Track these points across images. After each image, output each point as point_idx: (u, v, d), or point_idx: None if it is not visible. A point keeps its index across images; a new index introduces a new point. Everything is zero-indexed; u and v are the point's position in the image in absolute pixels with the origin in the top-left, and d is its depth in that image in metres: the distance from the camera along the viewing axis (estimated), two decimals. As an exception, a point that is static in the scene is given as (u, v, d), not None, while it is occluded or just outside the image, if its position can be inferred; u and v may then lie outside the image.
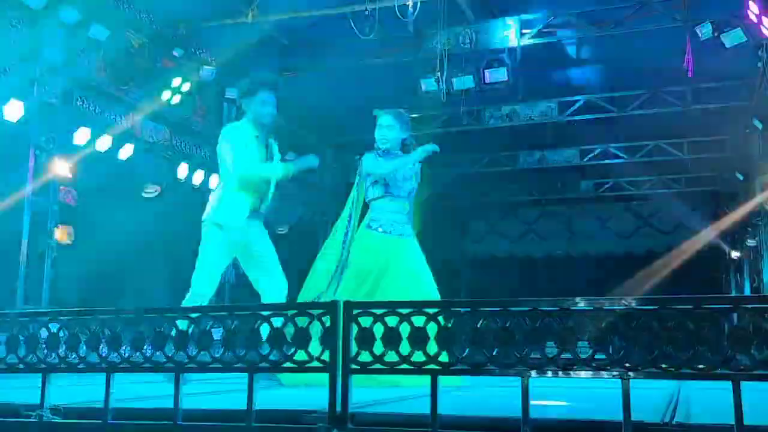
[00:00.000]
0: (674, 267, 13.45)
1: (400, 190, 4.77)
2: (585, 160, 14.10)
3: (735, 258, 15.15)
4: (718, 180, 14.68)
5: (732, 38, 8.47)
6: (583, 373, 2.23)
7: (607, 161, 14.03)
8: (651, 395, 3.06)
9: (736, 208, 12.64)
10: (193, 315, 2.70)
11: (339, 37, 10.10)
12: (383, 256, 4.58)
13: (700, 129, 12.47)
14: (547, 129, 13.40)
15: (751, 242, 12.92)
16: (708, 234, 13.94)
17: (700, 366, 2.08)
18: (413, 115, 12.58)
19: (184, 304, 4.51)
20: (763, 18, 8.12)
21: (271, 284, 4.65)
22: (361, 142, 14.71)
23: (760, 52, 9.16)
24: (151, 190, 9.43)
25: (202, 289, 4.59)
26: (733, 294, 14.10)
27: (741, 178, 13.17)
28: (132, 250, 8.69)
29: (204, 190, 10.71)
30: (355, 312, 2.43)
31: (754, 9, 8.10)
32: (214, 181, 10.86)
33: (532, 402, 2.21)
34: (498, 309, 2.37)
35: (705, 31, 8.51)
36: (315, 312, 2.52)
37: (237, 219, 4.59)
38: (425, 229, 17.02)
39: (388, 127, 4.84)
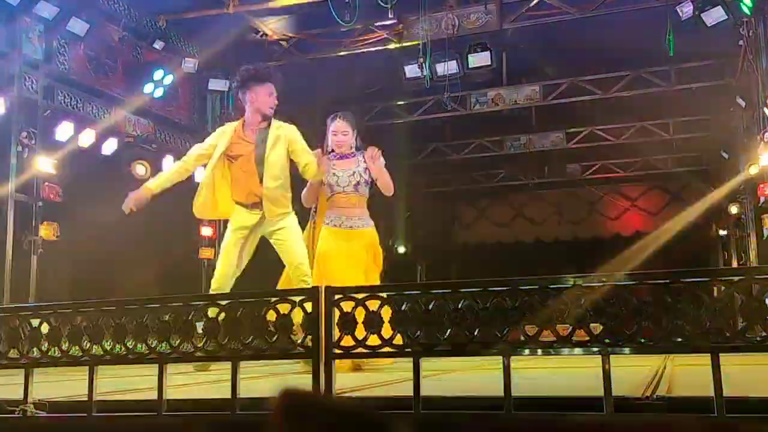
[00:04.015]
0: (662, 247, 13.50)
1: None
2: (571, 143, 14.11)
3: (722, 236, 15.23)
4: (703, 159, 14.74)
5: (713, 16, 8.46)
6: (564, 351, 2.25)
7: (593, 144, 14.05)
8: (635, 372, 3.08)
9: (722, 186, 12.69)
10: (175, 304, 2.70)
11: (321, 26, 10.06)
12: None
13: (685, 109, 12.50)
14: (532, 113, 13.41)
15: (734, 210, 12.94)
16: (695, 213, 14.00)
17: (679, 340, 2.09)
18: (398, 103, 12.65)
19: None
20: (743, -5, 8.13)
21: None
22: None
23: (742, 29, 9.17)
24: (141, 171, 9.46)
25: None
26: (721, 272, 14.14)
27: (726, 156, 13.23)
28: (118, 244, 8.64)
29: (190, 183, 10.66)
30: (336, 297, 2.43)
31: (734, -14, 8.11)
32: (199, 174, 10.81)
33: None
34: (478, 289, 2.37)
35: (686, 10, 8.50)
36: (296, 298, 2.51)
37: None
38: (414, 217, 17.12)
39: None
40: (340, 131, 4.88)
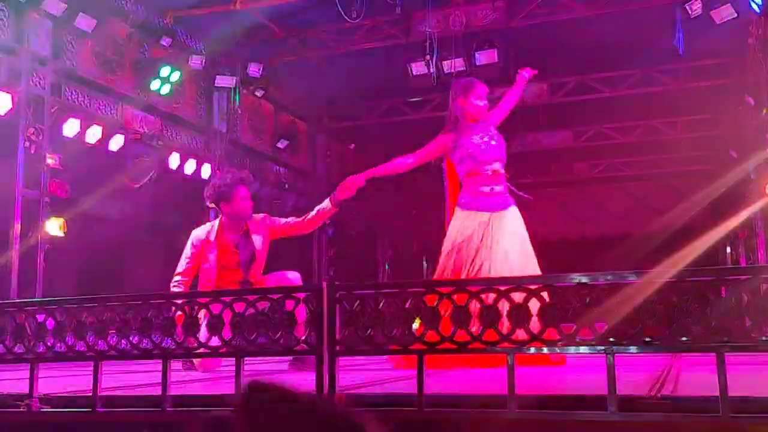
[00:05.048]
0: (671, 246, 13.43)
1: None
2: (578, 141, 14.06)
3: (730, 235, 15.14)
4: (711, 158, 14.66)
5: (722, 14, 8.41)
6: (569, 349, 2.23)
7: (600, 142, 13.99)
8: (642, 371, 3.07)
9: (730, 186, 12.62)
10: (180, 300, 2.70)
11: (328, 23, 10.04)
12: None
13: (693, 107, 12.44)
14: (539, 111, 13.36)
15: (744, 215, 12.90)
16: (703, 212, 13.93)
17: (684, 339, 2.08)
18: (405, 100, 12.61)
19: None
20: (753, -7, 8.08)
21: None
22: (353, 128, 14.67)
23: (751, 27, 9.12)
24: (141, 180, 9.39)
25: None
26: (729, 272, 14.07)
27: (735, 155, 13.15)
28: (125, 241, 8.67)
29: (196, 180, 10.68)
30: (338, 294, 2.42)
31: (743, -16, 8.06)
32: (206, 170, 10.82)
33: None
34: (484, 287, 2.36)
35: (695, 7, 8.46)
36: (300, 295, 2.51)
37: None
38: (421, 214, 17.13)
39: None
40: (485, 96, 4.48)
